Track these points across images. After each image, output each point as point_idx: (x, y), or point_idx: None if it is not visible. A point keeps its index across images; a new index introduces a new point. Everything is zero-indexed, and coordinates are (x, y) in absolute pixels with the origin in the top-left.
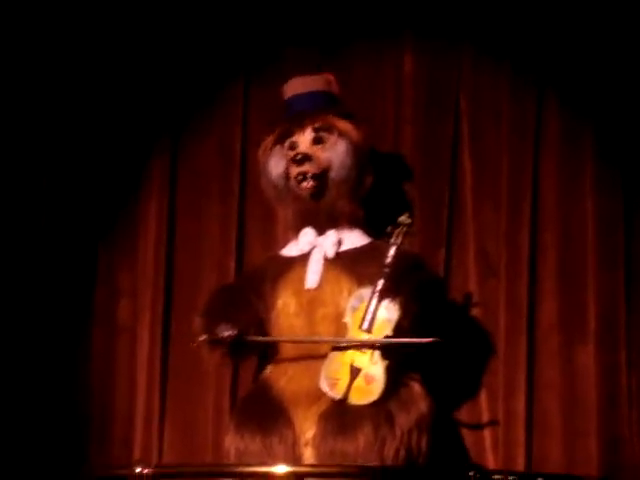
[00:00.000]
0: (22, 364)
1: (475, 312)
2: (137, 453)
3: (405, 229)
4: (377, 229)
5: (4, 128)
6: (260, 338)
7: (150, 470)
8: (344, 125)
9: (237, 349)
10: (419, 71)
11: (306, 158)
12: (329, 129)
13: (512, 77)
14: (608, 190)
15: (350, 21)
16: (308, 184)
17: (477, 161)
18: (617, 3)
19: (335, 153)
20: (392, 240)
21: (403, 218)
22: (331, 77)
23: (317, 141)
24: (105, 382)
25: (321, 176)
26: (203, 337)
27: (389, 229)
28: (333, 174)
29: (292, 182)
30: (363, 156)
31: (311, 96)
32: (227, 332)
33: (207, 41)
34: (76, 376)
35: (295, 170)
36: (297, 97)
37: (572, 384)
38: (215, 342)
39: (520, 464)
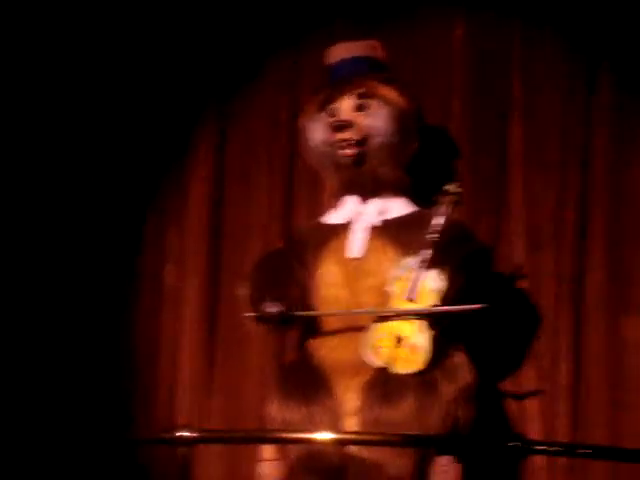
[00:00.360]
0: (69, 327)
1: (522, 283)
2: (181, 418)
3: (454, 198)
4: (425, 198)
5: (59, 88)
6: (306, 313)
7: (194, 434)
8: (387, 91)
9: (284, 324)
10: (470, 43)
11: (346, 125)
12: (371, 95)
13: (564, 49)
14: None
15: None
16: (349, 151)
17: (528, 132)
18: None
19: (377, 119)
20: (440, 209)
21: (452, 187)
22: (376, 43)
23: (359, 108)
24: (151, 346)
25: (362, 142)
26: (250, 314)
27: (437, 197)
28: (375, 140)
29: (334, 149)
30: (407, 122)
31: (354, 62)
32: (274, 309)
33: (258, 8)
34: (122, 340)
35: (336, 137)
36: (340, 63)
37: (618, 356)
38: (262, 319)
39: (564, 435)
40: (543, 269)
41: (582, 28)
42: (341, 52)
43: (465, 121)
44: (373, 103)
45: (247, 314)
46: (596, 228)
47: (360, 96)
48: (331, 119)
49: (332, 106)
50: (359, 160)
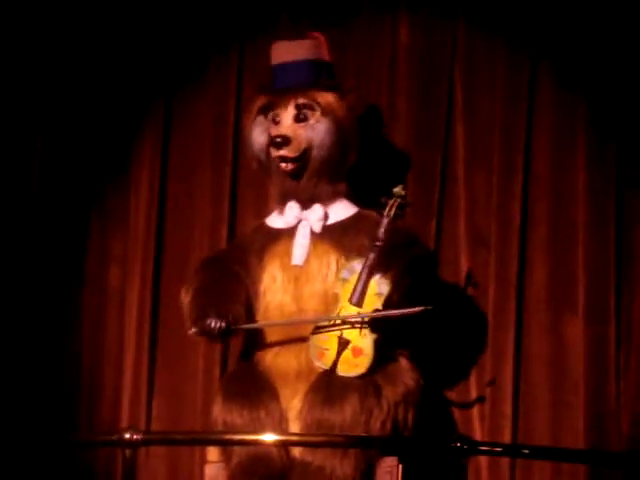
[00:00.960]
0: (14, 329)
1: (465, 284)
2: (125, 419)
3: (399, 201)
4: (367, 198)
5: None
6: (249, 326)
7: (139, 436)
8: (328, 100)
9: (226, 337)
10: (414, 42)
11: (285, 142)
12: (312, 106)
13: (506, 49)
14: (600, 162)
15: None
16: (287, 166)
17: (470, 133)
18: None
19: (316, 133)
20: (385, 212)
21: (397, 190)
22: (320, 39)
23: (299, 118)
24: (94, 348)
25: (300, 158)
26: (193, 330)
27: (383, 200)
28: (314, 153)
29: (274, 159)
30: (347, 132)
31: (297, 66)
32: (216, 324)
33: (203, 7)
34: (66, 342)
35: (274, 152)
36: (282, 66)
37: (560, 356)
38: (205, 334)
39: (507, 436)
40: (485, 270)
41: (523, 28)
42: (283, 53)
43: (409, 121)
44: (314, 114)
45: (190, 331)
46: (538, 229)
47: (300, 107)
48: (272, 128)
49: (273, 112)
50: (297, 174)
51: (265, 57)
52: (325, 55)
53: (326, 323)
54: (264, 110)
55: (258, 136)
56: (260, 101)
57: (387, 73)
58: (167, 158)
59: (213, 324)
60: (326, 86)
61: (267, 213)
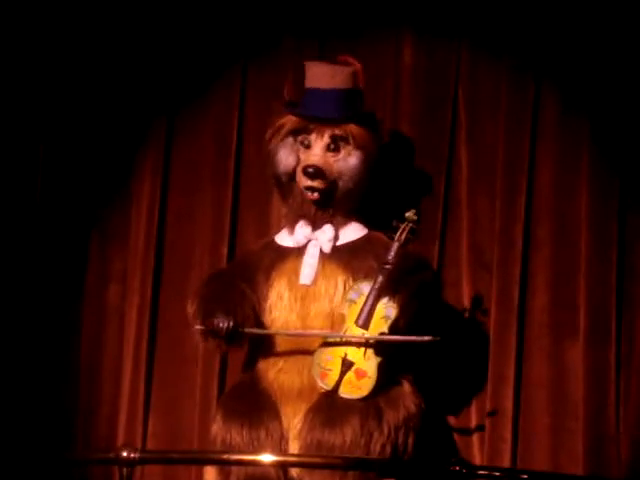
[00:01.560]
0: (11, 346)
1: (467, 307)
2: (122, 437)
3: (410, 226)
4: (372, 219)
5: None
6: (257, 330)
7: (136, 455)
8: (362, 135)
9: (233, 340)
10: (418, 63)
11: (318, 174)
12: (347, 139)
13: (510, 70)
14: (603, 186)
15: (350, 12)
16: (314, 195)
17: (473, 155)
18: None
19: (347, 165)
20: (396, 236)
21: (409, 214)
22: (357, 66)
23: (331, 148)
24: (92, 365)
25: (328, 188)
26: (199, 327)
27: (394, 223)
28: (341, 185)
29: (298, 182)
30: (373, 165)
31: (335, 95)
32: (224, 323)
33: (207, 26)
34: (64, 359)
35: (305, 182)
36: (319, 92)
37: (561, 381)
38: (211, 333)
39: (506, 460)
40: (487, 293)
41: (527, 51)
42: (321, 78)
43: (413, 143)
44: (346, 147)
45: (196, 327)
46: (540, 252)
47: (335, 138)
48: (303, 159)
49: (306, 136)
50: (321, 202)
51: (267, 76)
52: (360, 83)
53: (331, 341)
54: (296, 133)
55: (285, 157)
56: (293, 123)
57: (391, 94)
58: (168, 176)
59: (221, 323)
60: (363, 120)
61: (268, 232)
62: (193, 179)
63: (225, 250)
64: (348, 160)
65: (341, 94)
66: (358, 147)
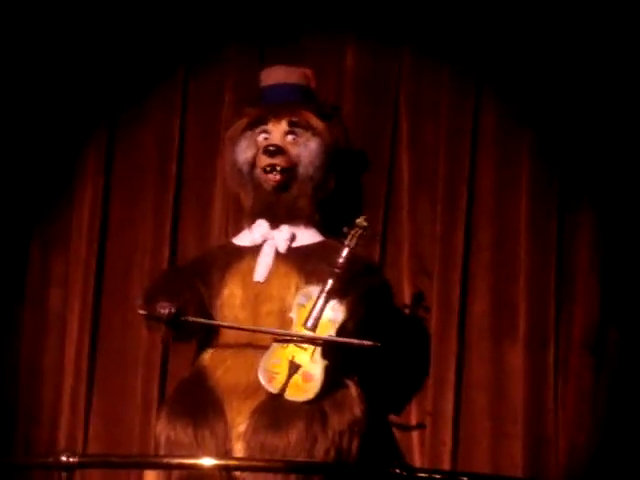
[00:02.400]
0: None
1: (408, 311)
2: (63, 442)
3: (360, 232)
4: (329, 228)
5: None
6: (197, 319)
7: (76, 459)
8: (319, 124)
9: (174, 327)
10: (360, 68)
11: (279, 151)
12: (304, 125)
13: (451, 76)
14: (543, 191)
15: (292, 17)
16: (275, 177)
17: (414, 160)
18: (555, 3)
19: (306, 150)
20: (346, 241)
21: (360, 220)
22: (310, 72)
23: (290, 135)
24: (33, 369)
25: (289, 170)
26: (141, 312)
27: (345, 229)
28: (301, 170)
29: (258, 171)
30: (331, 158)
31: (290, 88)
32: (165, 309)
33: (148, 30)
34: (4, 362)
35: (265, 160)
36: (275, 86)
37: (500, 384)
38: (152, 318)
39: (446, 463)
40: (428, 297)
41: (468, 57)
42: (276, 76)
43: (354, 148)
44: (305, 134)
45: (139, 311)
46: (480, 257)
47: (293, 124)
48: (264, 142)
49: (263, 127)
50: (282, 187)
51: (209, 82)
52: (314, 87)
53: (279, 344)
54: (254, 124)
55: (244, 150)
56: (251, 114)
57: (333, 98)
58: (110, 180)
59: (163, 309)
60: (319, 111)
61: (209, 236)
62: (135, 184)
63: (167, 254)
64: (307, 145)
65: (296, 87)
66: (316, 134)
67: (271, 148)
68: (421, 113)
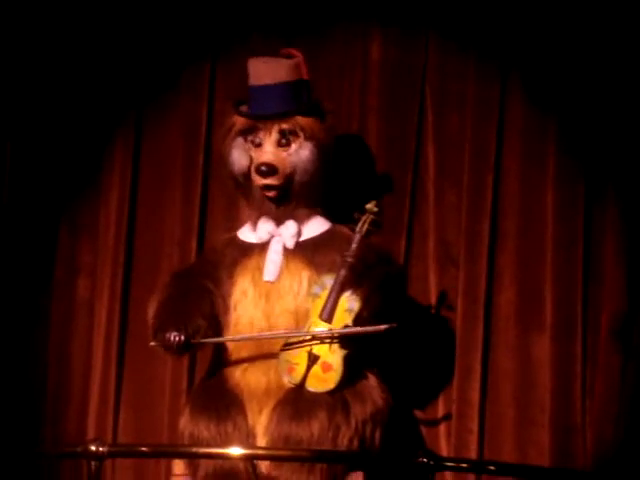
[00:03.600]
0: None
1: (434, 301)
2: (92, 431)
3: (372, 217)
4: (339, 214)
5: None
6: (208, 340)
7: (105, 449)
8: (311, 126)
9: (186, 351)
10: (385, 58)
11: (272, 171)
12: (295, 132)
13: (477, 65)
14: (569, 181)
15: (317, 7)
16: (271, 193)
17: (440, 150)
18: None
19: (300, 159)
20: (357, 228)
21: (370, 206)
22: (299, 57)
23: (282, 143)
24: (62, 359)
25: (285, 183)
26: (152, 343)
27: (356, 215)
28: (297, 179)
29: (255, 181)
30: (327, 155)
31: (278, 90)
32: (174, 337)
33: (175, 20)
34: (33, 352)
35: (259, 181)
36: (262, 89)
37: (527, 374)
38: (164, 348)
39: (473, 452)
40: (454, 287)
41: (494, 45)
42: (263, 75)
43: (380, 138)
44: (297, 140)
45: (152, 344)
46: (507, 247)
47: (284, 132)
48: (255, 158)
49: (254, 136)
50: (280, 199)
51: (236, 71)
52: (304, 74)
53: (295, 340)
54: (244, 133)
55: (239, 159)
56: (241, 124)
57: (358, 90)
58: (138, 169)
59: (172, 338)
60: (309, 111)
61: (237, 226)
62: (162, 173)
63: (194, 244)
64: (300, 153)
65: (284, 87)
66: (308, 138)
67: (263, 168)
68: (447, 103)
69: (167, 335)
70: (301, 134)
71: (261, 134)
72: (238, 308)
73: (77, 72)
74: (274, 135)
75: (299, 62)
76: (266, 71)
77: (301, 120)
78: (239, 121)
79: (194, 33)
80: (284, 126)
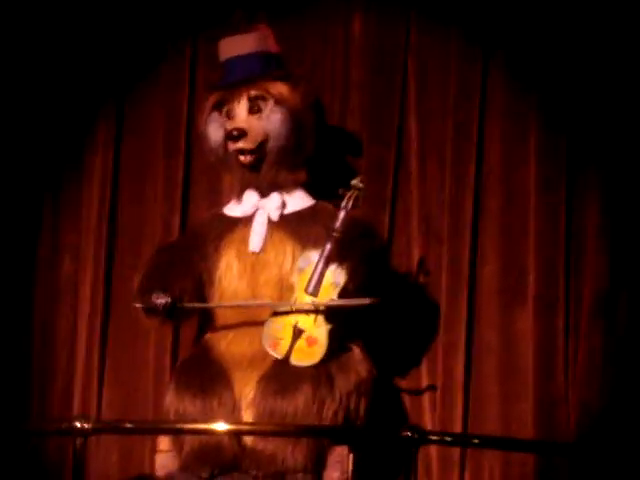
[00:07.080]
0: None
1: (418, 276)
2: (77, 408)
3: (357, 193)
4: (323, 190)
5: None
6: (195, 305)
7: (89, 425)
8: (280, 90)
9: (172, 316)
10: (368, 33)
11: (241, 135)
12: (264, 97)
13: (460, 41)
14: (551, 156)
15: None
16: (246, 158)
17: (423, 125)
18: None
19: (271, 123)
20: (342, 204)
21: (355, 182)
22: (265, 30)
23: (253, 110)
24: (46, 337)
25: (258, 149)
26: (138, 305)
27: (340, 191)
28: (270, 144)
29: (231, 152)
30: (302, 120)
31: (245, 59)
32: (161, 300)
33: (156, 4)
34: (17, 330)
35: (232, 146)
36: (231, 61)
37: (510, 347)
38: (149, 310)
39: (457, 426)
40: (438, 262)
41: (476, 22)
42: (231, 48)
43: (363, 113)
44: (267, 105)
45: (136, 304)
46: (490, 221)
47: (253, 98)
48: (227, 123)
49: (226, 108)
50: (256, 165)
51: (217, 53)
52: (272, 46)
53: (281, 312)
54: (218, 106)
55: (214, 132)
56: (213, 98)
57: (341, 66)
58: (120, 148)
59: (158, 300)
60: (277, 76)
61: (220, 204)
62: (145, 152)
63: (177, 222)
64: (271, 117)
65: (251, 57)
66: (278, 103)
67: (234, 133)
68: (429, 78)
69: (153, 297)
70: (270, 99)
71: (232, 104)
72: (223, 281)
73: (60, 56)
74: (244, 103)
75: (266, 34)
76: (233, 45)
77: (269, 85)
78: (211, 96)
79: (175, 13)
80: (252, 92)
